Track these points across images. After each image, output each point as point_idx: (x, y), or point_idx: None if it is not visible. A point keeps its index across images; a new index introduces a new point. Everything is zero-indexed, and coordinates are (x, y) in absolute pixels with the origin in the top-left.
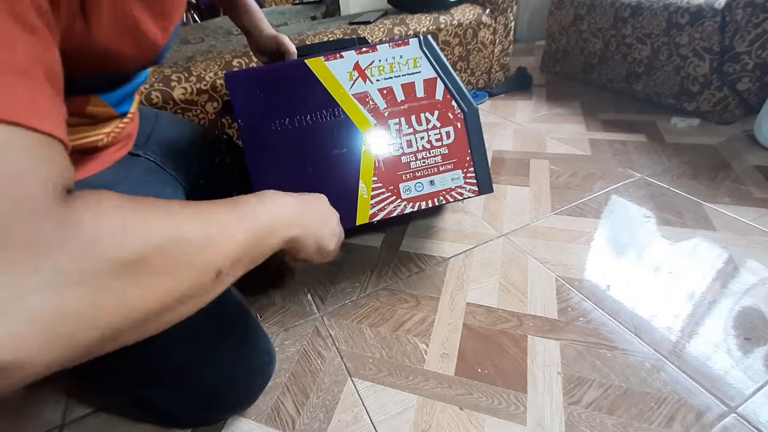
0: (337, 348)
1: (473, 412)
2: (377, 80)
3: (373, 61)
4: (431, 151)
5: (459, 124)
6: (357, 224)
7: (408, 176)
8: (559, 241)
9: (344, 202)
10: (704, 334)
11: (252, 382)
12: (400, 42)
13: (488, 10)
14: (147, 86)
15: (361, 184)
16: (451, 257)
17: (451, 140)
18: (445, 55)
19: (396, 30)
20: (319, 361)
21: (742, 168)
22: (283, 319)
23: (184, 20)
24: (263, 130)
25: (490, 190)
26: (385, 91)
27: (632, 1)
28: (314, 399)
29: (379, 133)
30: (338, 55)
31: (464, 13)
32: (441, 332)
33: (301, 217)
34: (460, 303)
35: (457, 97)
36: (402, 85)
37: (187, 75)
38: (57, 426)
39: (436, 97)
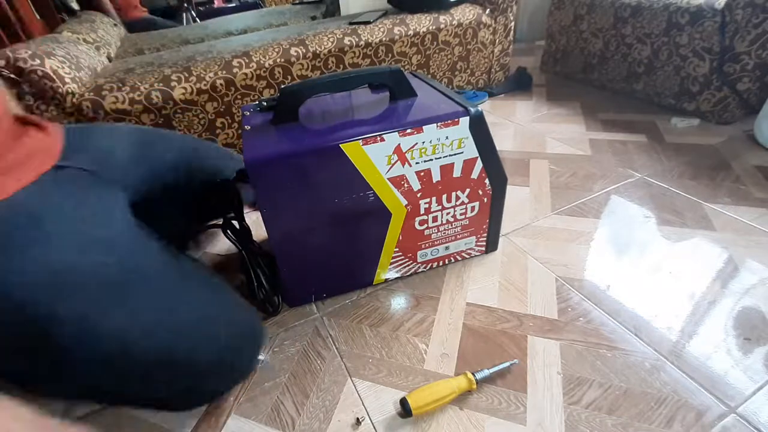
0: (337, 348)
1: (473, 412)
2: (416, 163)
3: (416, 143)
4: (453, 224)
5: (486, 199)
6: (373, 283)
7: (427, 245)
8: (559, 241)
9: (364, 267)
10: (704, 334)
11: (239, 352)
12: (449, 122)
13: (488, 10)
14: (147, 86)
15: (383, 255)
16: None
17: (474, 213)
18: (445, 55)
19: (396, 30)
20: (319, 361)
21: (742, 168)
22: (283, 319)
23: (184, 21)
24: (290, 219)
25: (495, 249)
26: (422, 173)
27: (632, 1)
28: (314, 399)
29: (408, 213)
30: (379, 138)
31: (464, 13)
32: (441, 332)
33: None
34: (460, 303)
35: (492, 173)
36: (441, 166)
37: (187, 75)
38: None
39: (472, 177)
